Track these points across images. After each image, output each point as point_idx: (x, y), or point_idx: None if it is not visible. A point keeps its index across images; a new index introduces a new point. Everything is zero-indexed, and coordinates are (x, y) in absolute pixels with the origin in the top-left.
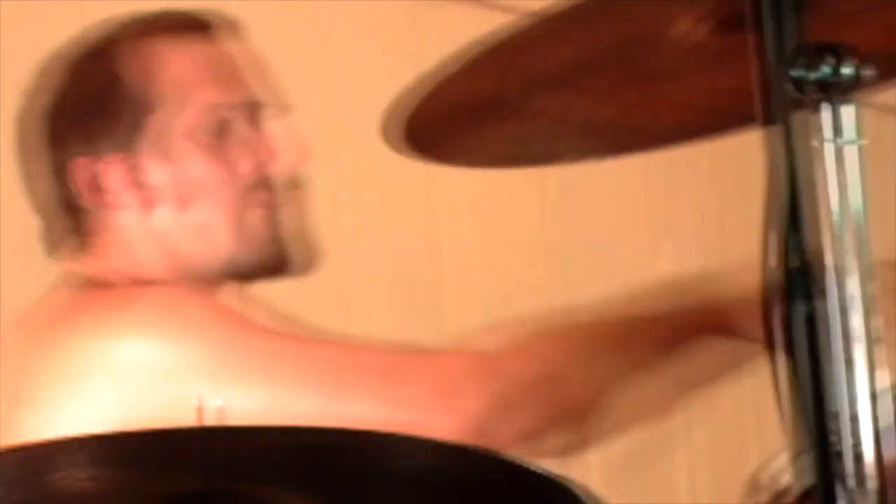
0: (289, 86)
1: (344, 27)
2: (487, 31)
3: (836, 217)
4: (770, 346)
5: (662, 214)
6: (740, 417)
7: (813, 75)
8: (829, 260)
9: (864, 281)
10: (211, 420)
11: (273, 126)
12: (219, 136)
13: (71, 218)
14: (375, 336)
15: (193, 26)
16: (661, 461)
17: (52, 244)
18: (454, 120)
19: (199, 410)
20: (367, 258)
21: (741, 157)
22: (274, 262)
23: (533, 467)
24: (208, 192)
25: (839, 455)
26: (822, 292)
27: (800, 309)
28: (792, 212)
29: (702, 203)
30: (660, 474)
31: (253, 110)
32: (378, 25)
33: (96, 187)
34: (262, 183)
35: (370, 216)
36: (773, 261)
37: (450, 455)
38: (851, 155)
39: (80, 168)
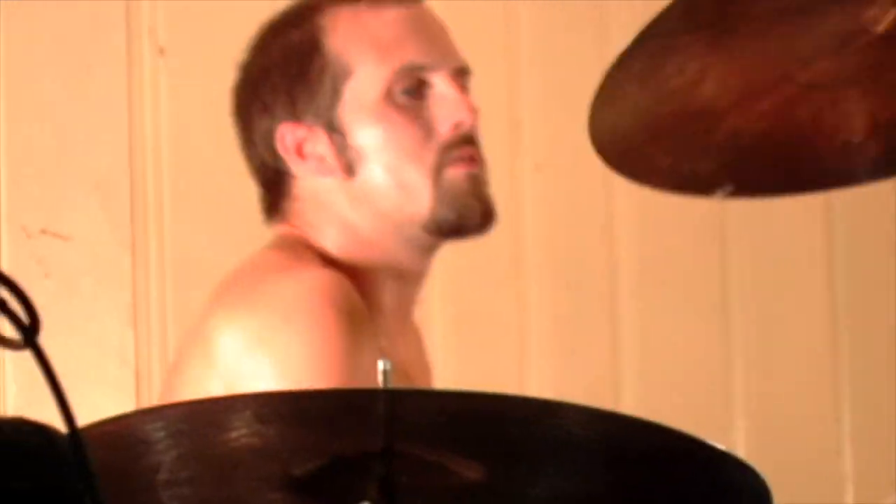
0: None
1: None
2: None
3: None
4: None
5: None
6: None
7: None
8: None
9: None
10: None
11: (465, 81)
12: (417, 96)
13: (281, 184)
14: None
15: None
16: None
17: (268, 209)
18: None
19: (384, 373)
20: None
21: None
22: (472, 220)
23: (702, 441)
24: (408, 152)
25: None
26: None
27: None
28: None
29: None
30: None
31: (449, 71)
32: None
33: (302, 153)
34: (463, 140)
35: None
36: None
37: (613, 425)
38: None
39: (285, 134)
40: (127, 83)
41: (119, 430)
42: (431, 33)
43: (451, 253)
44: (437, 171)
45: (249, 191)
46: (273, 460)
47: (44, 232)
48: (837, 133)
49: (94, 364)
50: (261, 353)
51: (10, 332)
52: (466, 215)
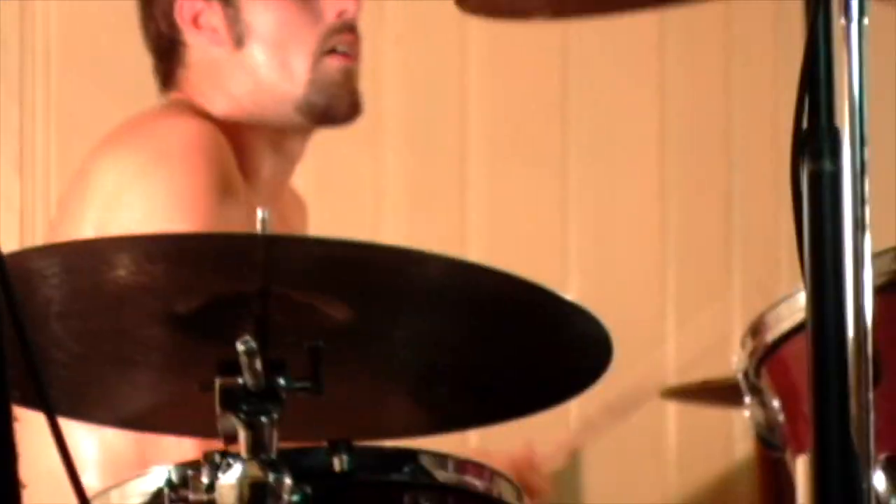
0: None
1: None
2: None
3: (851, 87)
4: (797, 202)
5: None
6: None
7: None
8: (843, 124)
9: (861, 146)
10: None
11: None
12: None
13: (175, 53)
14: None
15: None
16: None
17: (162, 78)
18: None
19: (262, 221)
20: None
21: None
22: (340, 109)
23: (548, 289)
24: (294, 34)
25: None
26: (841, 152)
27: (826, 166)
28: (825, 78)
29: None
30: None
31: None
32: None
33: (197, 24)
34: (345, 27)
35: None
36: (804, 122)
37: (469, 273)
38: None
39: (184, 5)
40: None
41: (16, 265)
42: None
43: None
44: (317, 57)
45: (137, 53)
46: (158, 297)
47: None
48: None
49: None
50: (134, 187)
51: None
52: (334, 104)
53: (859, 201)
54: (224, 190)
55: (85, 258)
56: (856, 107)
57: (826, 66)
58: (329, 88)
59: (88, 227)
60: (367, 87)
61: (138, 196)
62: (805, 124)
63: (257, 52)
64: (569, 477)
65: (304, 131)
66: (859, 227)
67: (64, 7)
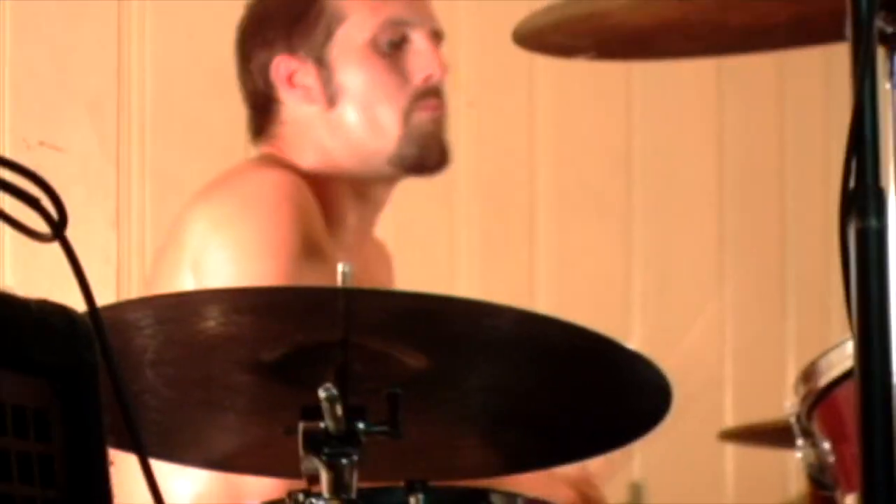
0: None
1: None
2: None
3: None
4: (844, 257)
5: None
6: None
7: (892, 28)
8: (890, 184)
9: None
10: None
11: (440, 41)
12: (398, 48)
13: (269, 109)
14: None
15: None
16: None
17: (255, 131)
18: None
19: (343, 275)
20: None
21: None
22: (432, 158)
23: (614, 340)
24: (383, 94)
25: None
26: (886, 210)
27: (871, 224)
28: (871, 139)
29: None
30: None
31: (426, 31)
32: None
33: (292, 82)
34: (431, 92)
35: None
36: (852, 182)
37: (539, 325)
38: None
39: (280, 64)
40: (117, 13)
41: (114, 316)
42: None
43: None
44: (407, 114)
45: (225, 114)
46: (244, 346)
47: (41, 144)
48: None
49: (81, 262)
50: (221, 235)
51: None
52: (427, 154)
53: None
54: (307, 245)
55: (177, 310)
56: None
57: (872, 127)
58: (421, 139)
59: (182, 275)
60: None
61: (224, 244)
62: (852, 183)
63: (349, 112)
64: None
65: (391, 180)
66: None
67: (158, 71)
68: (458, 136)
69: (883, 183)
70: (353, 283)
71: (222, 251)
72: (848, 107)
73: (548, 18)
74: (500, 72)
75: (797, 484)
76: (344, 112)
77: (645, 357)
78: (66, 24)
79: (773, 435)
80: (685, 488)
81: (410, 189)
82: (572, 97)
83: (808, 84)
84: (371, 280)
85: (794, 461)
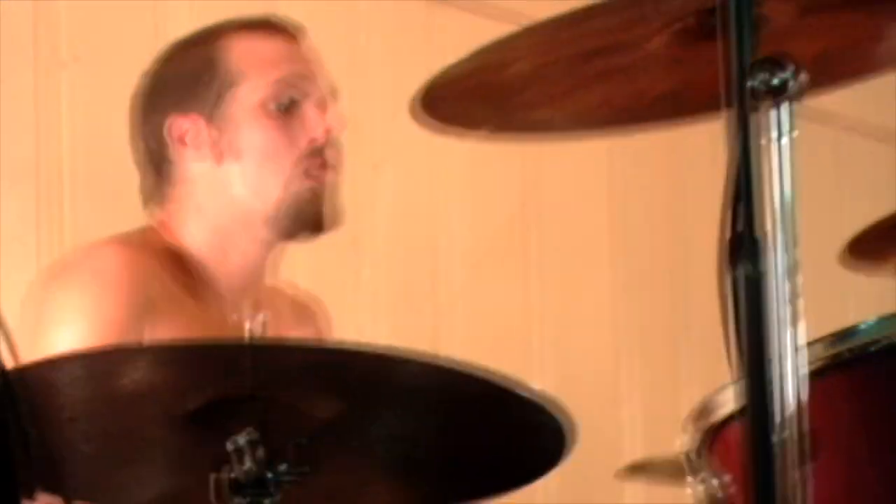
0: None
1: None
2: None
3: (776, 196)
4: (723, 303)
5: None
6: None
7: (765, 84)
8: (769, 231)
9: (791, 249)
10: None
11: (326, 107)
12: (287, 112)
13: (162, 170)
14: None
15: (277, 28)
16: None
17: (148, 196)
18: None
19: (250, 330)
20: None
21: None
22: (306, 226)
23: (519, 389)
24: (269, 155)
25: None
26: (762, 258)
27: (747, 271)
28: (745, 191)
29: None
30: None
31: (315, 97)
32: (395, 27)
33: (182, 141)
34: (317, 152)
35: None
36: (727, 232)
37: (443, 373)
38: (786, 146)
39: (173, 123)
40: (34, 89)
41: (36, 374)
42: (306, 64)
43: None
44: (289, 180)
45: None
46: (162, 399)
47: None
48: None
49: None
50: (48, 312)
51: None
52: (300, 224)
53: (793, 296)
54: (141, 308)
55: (91, 367)
56: (788, 212)
57: (747, 179)
58: (298, 206)
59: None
60: (347, 207)
61: (52, 321)
62: (735, 232)
63: (234, 170)
64: None
65: (269, 244)
66: (792, 320)
67: (77, 140)
68: (367, 195)
69: (759, 232)
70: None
71: (53, 334)
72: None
73: (445, 91)
74: (405, 134)
75: None
76: (229, 169)
77: (543, 401)
78: None
79: (668, 471)
80: None
81: (321, 242)
82: (475, 161)
83: (698, 141)
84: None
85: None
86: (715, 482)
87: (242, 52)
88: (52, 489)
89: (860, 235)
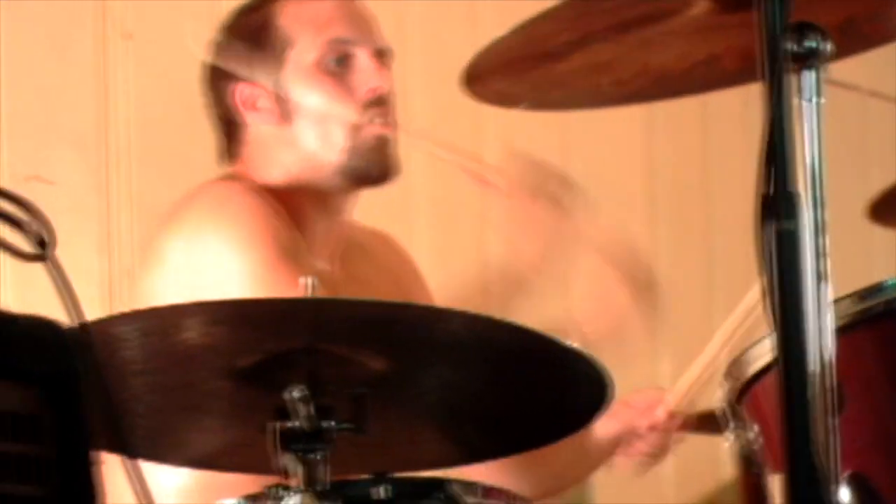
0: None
1: None
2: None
3: (805, 157)
4: (760, 259)
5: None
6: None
7: (797, 49)
8: (801, 189)
9: (821, 208)
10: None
11: (382, 59)
12: (343, 66)
13: (235, 132)
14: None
15: None
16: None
17: (222, 153)
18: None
19: (307, 286)
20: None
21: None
22: (375, 171)
23: (557, 339)
24: (331, 107)
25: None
26: (797, 213)
27: (782, 226)
28: (780, 150)
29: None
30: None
31: (370, 49)
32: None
33: (252, 106)
34: (377, 102)
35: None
36: (764, 188)
37: (487, 326)
38: (813, 109)
39: (239, 90)
40: (103, 60)
41: (101, 330)
42: (359, 18)
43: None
44: (354, 130)
45: (201, 142)
46: (220, 355)
47: (33, 178)
48: None
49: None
50: (197, 246)
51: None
52: (369, 169)
53: (821, 254)
54: (276, 245)
55: (158, 322)
56: (815, 174)
57: (781, 139)
58: (365, 155)
59: (166, 289)
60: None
61: (202, 252)
62: (769, 190)
63: (301, 128)
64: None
65: (346, 192)
66: (822, 277)
67: (139, 106)
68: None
69: (794, 188)
70: (320, 291)
71: (202, 259)
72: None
73: (489, 65)
74: (450, 108)
75: (730, 467)
76: (297, 129)
77: (585, 353)
78: (55, 70)
79: (709, 422)
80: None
81: (369, 196)
82: (516, 125)
83: (729, 114)
84: (350, 277)
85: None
86: (751, 434)
87: (293, 15)
88: (116, 447)
89: (886, 194)
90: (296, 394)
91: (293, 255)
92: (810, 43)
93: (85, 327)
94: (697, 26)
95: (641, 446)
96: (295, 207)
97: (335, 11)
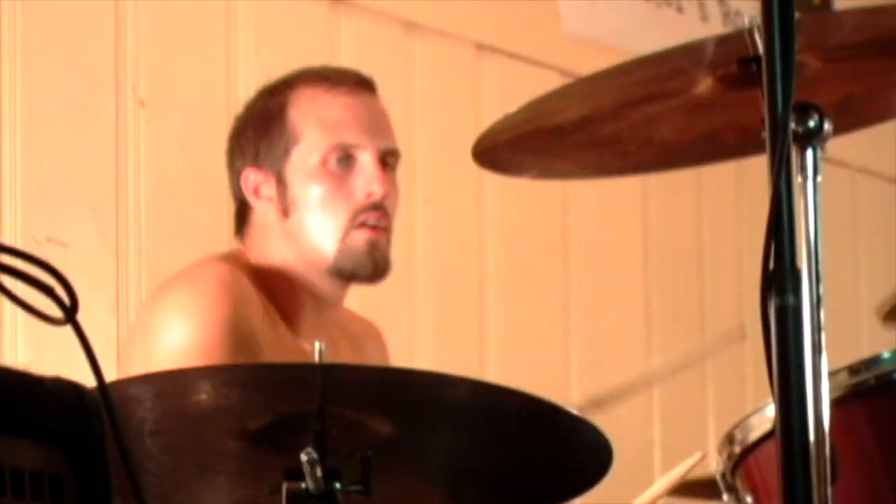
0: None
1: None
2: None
3: (807, 233)
4: (766, 328)
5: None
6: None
7: (801, 128)
8: (803, 265)
9: (817, 283)
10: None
11: (385, 163)
12: (346, 166)
13: (244, 212)
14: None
15: (347, 81)
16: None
17: (237, 229)
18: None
19: (320, 353)
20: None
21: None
22: (364, 273)
23: (559, 406)
24: (328, 209)
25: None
26: (798, 289)
27: (788, 300)
28: (784, 226)
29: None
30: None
31: (374, 151)
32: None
33: (258, 193)
34: (372, 207)
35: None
36: (771, 263)
37: (492, 394)
38: (812, 188)
39: (249, 175)
40: (115, 128)
41: (117, 391)
42: (369, 119)
43: None
44: (347, 230)
45: (211, 211)
46: (232, 416)
47: (49, 240)
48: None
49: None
50: (160, 318)
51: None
52: (359, 270)
53: (817, 329)
54: (236, 332)
55: (171, 384)
56: (812, 250)
57: (788, 216)
58: (355, 257)
59: (135, 359)
60: (400, 237)
61: (160, 326)
62: (771, 265)
63: (299, 223)
64: None
65: (336, 287)
66: (817, 350)
67: (152, 174)
68: (415, 228)
69: (797, 264)
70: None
71: (156, 328)
72: (756, 201)
73: (499, 138)
74: (453, 170)
75: None
76: (295, 223)
77: (588, 421)
78: (71, 137)
79: (697, 489)
80: None
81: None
82: (516, 193)
83: (723, 185)
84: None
85: None
86: (749, 500)
87: (306, 110)
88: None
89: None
90: (306, 456)
91: (253, 340)
92: (811, 122)
93: (106, 389)
94: (700, 103)
95: None
96: (287, 293)
97: (345, 112)
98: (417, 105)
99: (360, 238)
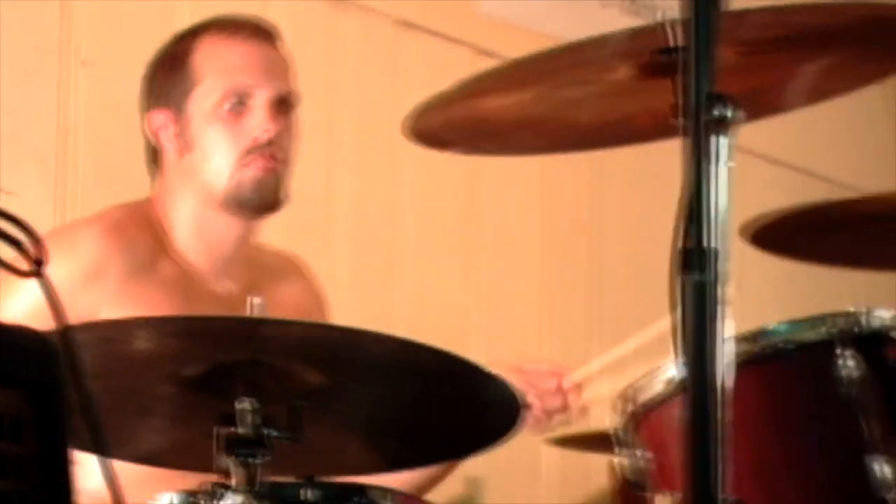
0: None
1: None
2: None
3: (718, 214)
4: (673, 304)
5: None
6: None
7: (714, 116)
8: (712, 244)
9: (725, 260)
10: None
11: (277, 109)
12: (239, 109)
13: (154, 156)
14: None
15: (248, 30)
16: None
17: (151, 174)
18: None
19: (253, 306)
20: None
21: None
22: (253, 205)
23: (475, 363)
24: (220, 148)
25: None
26: (708, 267)
27: (697, 277)
28: (697, 208)
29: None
30: None
31: (267, 97)
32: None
33: (157, 134)
34: (259, 148)
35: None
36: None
37: (407, 349)
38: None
39: (152, 117)
40: (57, 87)
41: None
42: (264, 64)
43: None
44: (236, 168)
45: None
46: (169, 363)
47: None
48: None
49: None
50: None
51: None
52: (246, 203)
53: (724, 301)
54: (90, 272)
55: (115, 332)
56: (723, 230)
57: (700, 199)
58: (241, 192)
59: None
60: (320, 200)
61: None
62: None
63: (193, 161)
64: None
65: (237, 225)
66: (722, 321)
67: (92, 126)
68: (336, 191)
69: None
70: (261, 313)
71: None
72: (652, 180)
73: (430, 115)
74: (373, 140)
75: (598, 482)
76: (190, 161)
77: (500, 377)
78: (20, 95)
79: (585, 442)
80: (512, 482)
81: (295, 229)
82: (433, 162)
83: (622, 161)
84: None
85: (597, 464)
86: (640, 456)
87: (206, 55)
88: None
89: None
90: (240, 404)
91: (141, 279)
92: (724, 111)
93: (69, 337)
94: (617, 89)
95: (537, 408)
96: (190, 235)
97: (242, 58)
98: (340, 76)
99: (247, 175)
